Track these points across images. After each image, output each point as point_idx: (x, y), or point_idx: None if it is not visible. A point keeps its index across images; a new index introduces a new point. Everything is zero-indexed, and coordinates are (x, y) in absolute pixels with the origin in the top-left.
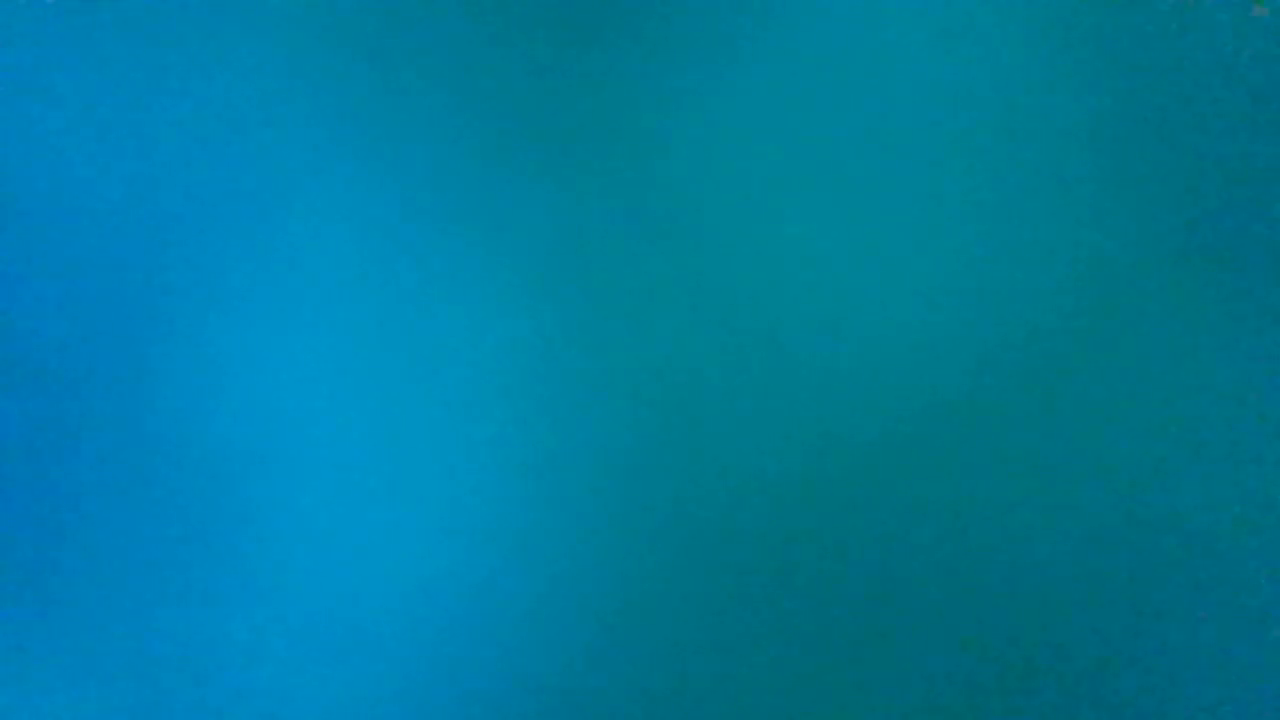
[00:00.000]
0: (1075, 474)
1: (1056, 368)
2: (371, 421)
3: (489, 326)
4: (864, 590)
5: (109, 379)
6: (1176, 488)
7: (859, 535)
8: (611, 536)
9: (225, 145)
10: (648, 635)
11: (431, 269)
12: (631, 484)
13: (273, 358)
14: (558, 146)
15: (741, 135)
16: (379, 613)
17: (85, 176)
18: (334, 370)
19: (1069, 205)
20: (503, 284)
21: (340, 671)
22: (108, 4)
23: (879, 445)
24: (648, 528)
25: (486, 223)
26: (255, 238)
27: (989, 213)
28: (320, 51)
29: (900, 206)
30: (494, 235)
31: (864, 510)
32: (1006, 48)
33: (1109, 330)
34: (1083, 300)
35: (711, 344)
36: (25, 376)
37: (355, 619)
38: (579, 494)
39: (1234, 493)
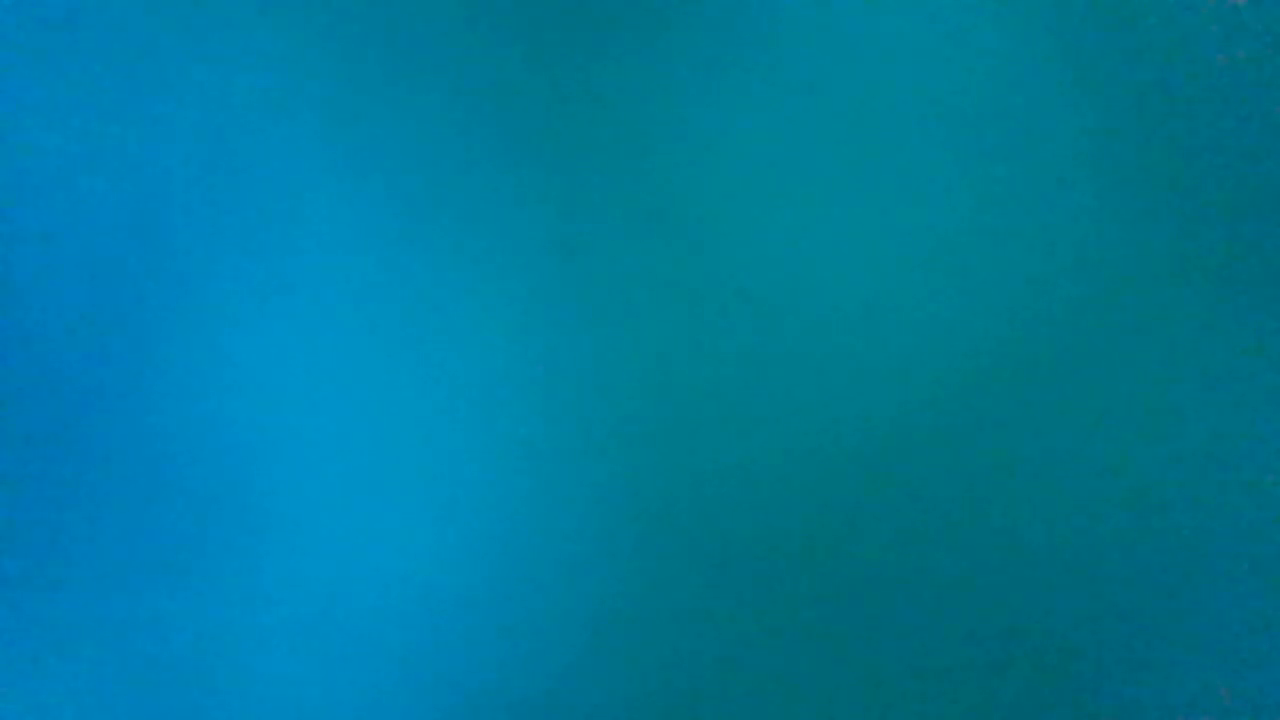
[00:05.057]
0: (1073, 473)
1: (1055, 367)
2: (372, 421)
3: (490, 326)
4: (865, 590)
5: (112, 379)
6: (1175, 487)
7: (860, 534)
8: (611, 535)
9: (229, 147)
10: (648, 634)
11: (433, 269)
12: (631, 483)
13: (274, 358)
14: (558, 147)
15: (741, 136)
16: (380, 611)
17: (90, 178)
18: (335, 370)
19: (1068, 205)
20: (503, 284)
21: (341, 669)
22: (109, 4)
23: (880, 444)
24: (648, 527)
25: (487, 223)
26: (258, 238)
27: (989, 213)
28: (322, 53)
29: (900, 207)
30: (494, 236)
31: (865, 509)
32: (1006, 48)
33: (1107, 330)
34: (1082, 300)
35: (712, 344)
36: (29, 377)
37: (356, 618)
38: (579, 492)
39: (1234, 492)
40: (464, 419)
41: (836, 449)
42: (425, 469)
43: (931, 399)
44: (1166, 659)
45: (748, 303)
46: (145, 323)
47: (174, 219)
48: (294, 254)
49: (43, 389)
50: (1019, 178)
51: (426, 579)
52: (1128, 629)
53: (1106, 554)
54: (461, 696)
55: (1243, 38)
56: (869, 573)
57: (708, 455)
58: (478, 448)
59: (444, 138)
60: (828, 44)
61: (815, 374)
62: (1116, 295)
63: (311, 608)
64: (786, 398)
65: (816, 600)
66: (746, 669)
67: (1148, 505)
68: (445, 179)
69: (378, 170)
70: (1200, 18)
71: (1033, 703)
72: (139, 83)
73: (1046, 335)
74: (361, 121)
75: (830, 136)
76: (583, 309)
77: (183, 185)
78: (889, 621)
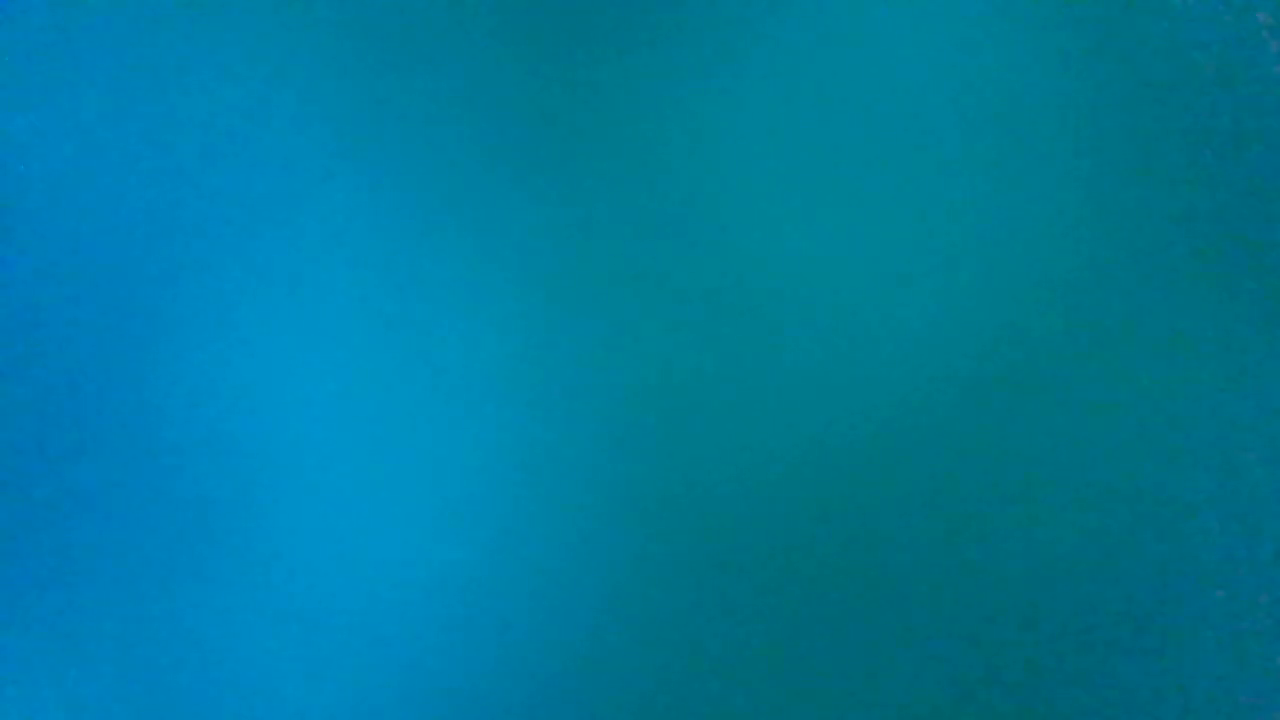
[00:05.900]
0: (1073, 474)
1: (1055, 368)
2: (372, 421)
3: (490, 326)
4: (864, 591)
5: (113, 380)
6: (1175, 488)
7: (859, 536)
8: (613, 535)
9: (228, 147)
10: (648, 634)
11: (436, 269)
12: (632, 483)
13: (274, 359)
14: (558, 147)
15: (741, 135)
16: (380, 611)
17: (90, 178)
18: (336, 370)
19: (1072, 207)
20: (504, 284)
21: (343, 669)
22: (110, 4)
23: (880, 445)
24: (648, 527)
25: (487, 223)
26: (258, 237)
27: (991, 213)
28: (323, 51)
29: (898, 207)
30: (495, 236)
31: (864, 510)
32: (1006, 48)
33: (1107, 330)
34: (1082, 300)
35: (712, 344)
36: (30, 378)
37: (356, 618)
38: (579, 492)
39: (1233, 493)
40: (465, 419)
41: (838, 449)
42: (426, 469)
43: (933, 399)
44: (1166, 660)
45: (749, 302)
46: (146, 324)
47: (175, 219)
48: (293, 254)
49: (44, 390)
50: (1022, 179)
51: (428, 579)
52: (1128, 630)
53: (1107, 555)
54: (462, 696)
55: (1245, 39)
56: (870, 574)
57: (710, 455)
58: (479, 448)
59: (445, 138)
60: (829, 44)
61: (817, 374)
62: (1118, 297)
63: (313, 607)
64: (788, 398)
65: (817, 601)
66: (747, 669)
67: (1149, 506)
68: (447, 179)
69: (380, 170)
70: (1202, 19)
71: (1033, 703)
72: (140, 83)
73: (1048, 337)
74: (363, 122)
75: (831, 137)
76: (584, 309)
77: (184, 185)
78: (889, 622)
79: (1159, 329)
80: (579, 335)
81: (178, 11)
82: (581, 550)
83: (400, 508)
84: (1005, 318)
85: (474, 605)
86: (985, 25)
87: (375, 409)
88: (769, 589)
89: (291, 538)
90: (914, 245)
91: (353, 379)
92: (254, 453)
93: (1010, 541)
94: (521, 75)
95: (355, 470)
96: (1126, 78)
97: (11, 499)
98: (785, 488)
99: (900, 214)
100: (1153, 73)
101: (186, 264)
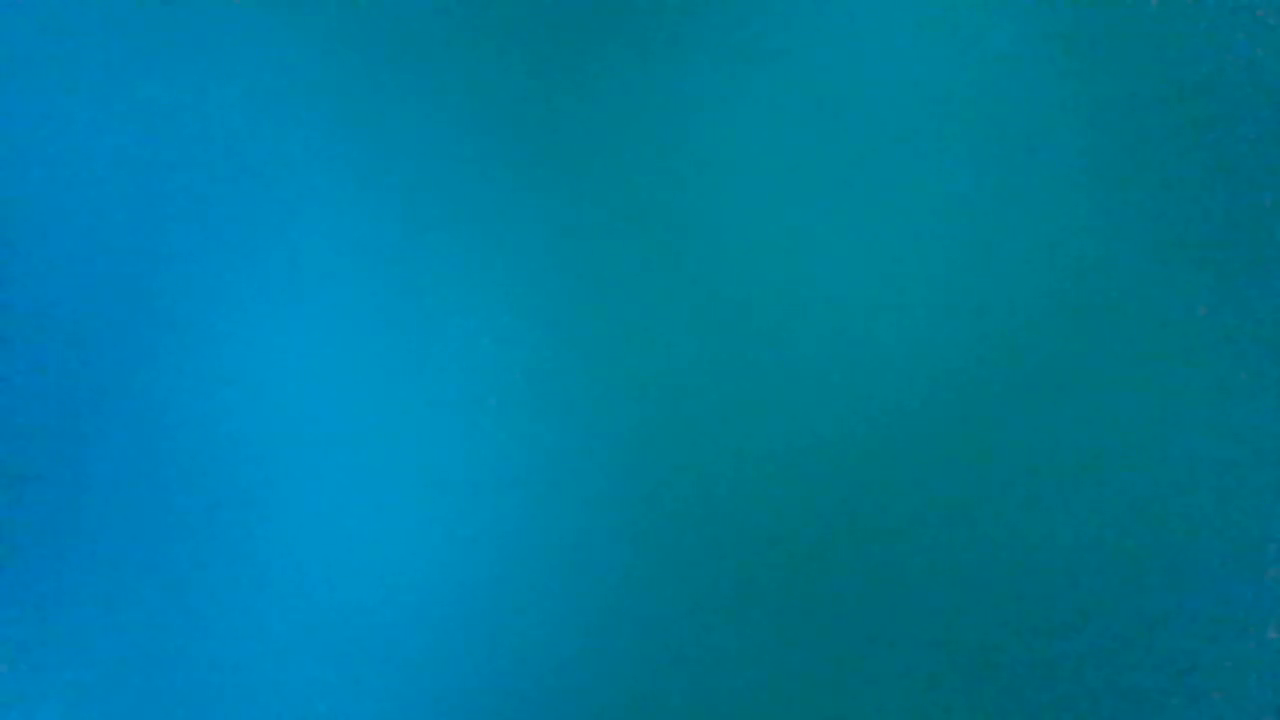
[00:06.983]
0: (1072, 474)
1: (1054, 367)
2: (373, 421)
3: (491, 327)
4: (863, 591)
5: (112, 380)
6: (1173, 488)
7: (858, 536)
8: (612, 535)
9: (229, 147)
10: (649, 634)
11: (434, 269)
12: (632, 484)
13: (276, 358)
14: (558, 148)
15: (740, 137)
16: (380, 612)
17: (91, 177)
18: (336, 370)
19: (1068, 206)
20: (504, 285)
21: (340, 669)
22: (110, 4)
23: (879, 445)
24: (649, 527)
25: (488, 223)
26: (260, 238)
27: (988, 214)
28: (324, 53)
29: (898, 207)
30: (495, 236)
31: (863, 510)
32: (1005, 48)
33: (1106, 330)
34: (1080, 301)
35: (712, 344)
36: (30, 377)
37: (356, 618)
38: (580, 493)
39: (1233, 493)
40: (465, 420)
41: (837, 450)
42: (426, 469)
43: (934, 400)
44: (1163, 659)
45: (750, 304)
46: (145, 324)
47: (175, 219)
48: (294, 255)
49: (44, 390)
50: (1022, 181)
51: (428, 579)
52: (1127, 630)
53: (1105, 555)
54: (462, 696)
55: (1245, 40)
56: (869, 574)
57: (709, 456)
58: (479, 448)
59: (446, 139)
60: (830, 48)
61: (817, 376)
62: (1117, 297)
63: (313, 608)
64: (788, 399)
65: (815, 601)
66: (746, 669)
67: (1147, 506)
68: (447, 180)
69: (379, 171)
70: (1202, 20)
71: (1031, 703)
72: (139, 84)
73: (1047, 337)
74: (363, 124)
75: (831, 140)
76: (584, 310)
77: (183, 185)
78: (887, 623)
79: (1159, 329)
80: (579, 335)
81: (178, 13)
82: (582, 549)
83: (401, 508)
84: (1006, 322)
85: (475, 604)
86: (984, 31)
87: (376, 410)
88: (770, 588)
89: (293, 537)
90: (914, 248)
91: (354, 380)
92: (256, 453)
93: (1009, 540)
94: (522, 78)
95: (357, 469)
96: (1126, 81)
97: (13, 499)
98: (786, 488)
99: (904, 219)
100: (1152, 75)
101: (187, 265)
